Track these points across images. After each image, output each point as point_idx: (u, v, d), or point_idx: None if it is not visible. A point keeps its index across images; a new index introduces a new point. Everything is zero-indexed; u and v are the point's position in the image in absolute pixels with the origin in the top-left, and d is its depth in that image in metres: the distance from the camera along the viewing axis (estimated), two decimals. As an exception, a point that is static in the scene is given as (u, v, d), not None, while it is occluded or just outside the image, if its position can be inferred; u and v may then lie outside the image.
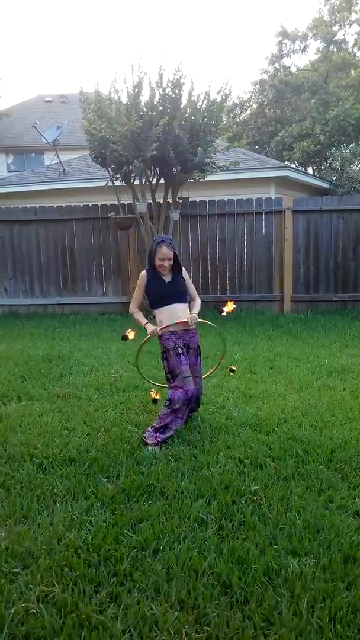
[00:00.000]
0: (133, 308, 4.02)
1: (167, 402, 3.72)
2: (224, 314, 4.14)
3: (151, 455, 3.45)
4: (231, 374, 4.32)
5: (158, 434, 3.66)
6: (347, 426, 3.96)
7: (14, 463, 3.41)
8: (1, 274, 10.24)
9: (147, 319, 3.92)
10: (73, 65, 54.35)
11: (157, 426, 3.68)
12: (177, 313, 3.84)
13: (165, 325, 3.82)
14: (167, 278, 3.90)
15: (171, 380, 3.79)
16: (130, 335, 3.88)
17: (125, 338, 3.91)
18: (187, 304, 3.95)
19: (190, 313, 3.88)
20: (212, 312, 9.42)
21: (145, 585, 2.22)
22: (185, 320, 3.82)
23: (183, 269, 3.98)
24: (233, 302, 4.24)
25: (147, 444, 3.62)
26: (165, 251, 3.79)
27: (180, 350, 3.81)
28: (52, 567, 2.34)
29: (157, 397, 4.20)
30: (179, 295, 3.91)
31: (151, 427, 3.71)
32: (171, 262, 3.85)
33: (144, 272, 3.97)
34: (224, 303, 4.17)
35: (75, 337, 7.62)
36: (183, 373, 3.75)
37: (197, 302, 4.05)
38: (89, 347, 6.88)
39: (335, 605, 2.09)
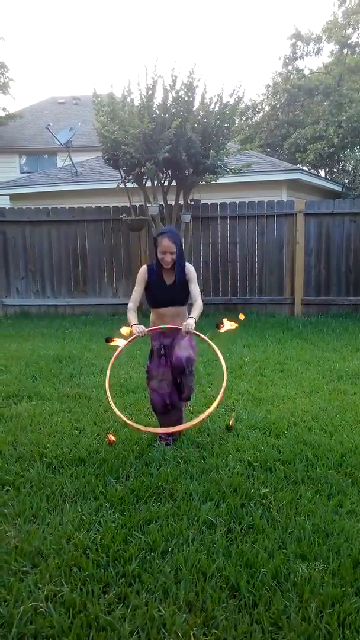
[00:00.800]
0: (130, 305, 3.79)
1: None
2: (221, 329, 3.74)
3: (160, 456, 3.45)
4: (228, 431, 3.82)
5: (164, 436, 3.74)
6: (357, 430, 3.94)
7: (24, 462, 3.43)
8: (13, 274, 10.31)
9: (137, 320, 3.69)
10: (86, 68, 54.65)
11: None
12: (170, 318, 3.72)
13: (155, 328, 3.72)
14: (169, 280, 3.71)
15: (148, 380, 3.85)
16: (116, 342, 3.72)
17: (109, 340, 3.76)
18: (185, 307, 3.82)
19: (189, 317, 3.60)
20: (221, 314, 9.45)
21: (154, 586, 2.22)
22: (177, 327, 3.61)
23: (188, 266, 3.76)
24: (236, 320, 3.78)
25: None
26: (166, 243, 3.59)
27: (162, 352, 3.76)
28: (61, 566, 2.35)
29: (114, 439, 3.56)
30: (179, 301, 3.76)
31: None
32: (174, 256, 3.63)
33: (144, 268, 3.78)
34: (221, 322, 3.73)
35: (86, 338, 7.65)
36: (156, 376, 3.75)
37: (197, 305, 3.68)
38: (99, 348, 6.90)
39: (344, 611, 2.07)
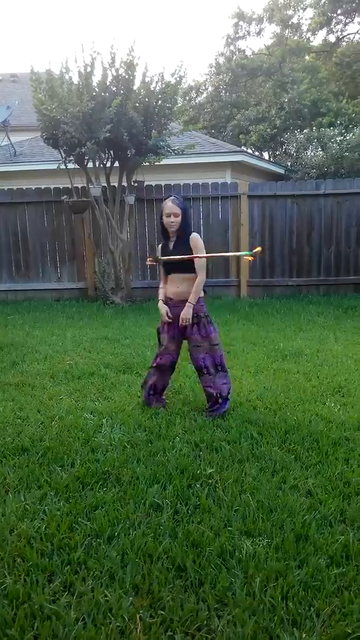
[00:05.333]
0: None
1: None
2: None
3: (107, 442, 3.42)
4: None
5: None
6: (300, 408, 4.04)
7: (-36, 454, 3.30)
8: None
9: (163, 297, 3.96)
10: (25, 44, 52.40)
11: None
12: (175, 286, 3.87)
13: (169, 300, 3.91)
14: (172, 243, 3.84)
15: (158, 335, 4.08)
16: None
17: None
18: (191, 275, 3.80)
19: (186, 303, 3.78)
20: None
21: (100, 572, 2.20)
22: (180, 298, 3.83)
23: (193, 235, 3.79)
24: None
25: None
26: (170, 205, 3.72)
27: (167, 319, 3.92)
28: (4, 558, 2.29)
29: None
30: (180, 265, 3.78)
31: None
32: (178, 219, 3.73)
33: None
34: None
35: (29, 324, 7.45)
36: (161, 342, 4.01)
37: (196, 283, 3.77)
38: (43, 334, 6.74)
39: (287, 584, 2.13)
